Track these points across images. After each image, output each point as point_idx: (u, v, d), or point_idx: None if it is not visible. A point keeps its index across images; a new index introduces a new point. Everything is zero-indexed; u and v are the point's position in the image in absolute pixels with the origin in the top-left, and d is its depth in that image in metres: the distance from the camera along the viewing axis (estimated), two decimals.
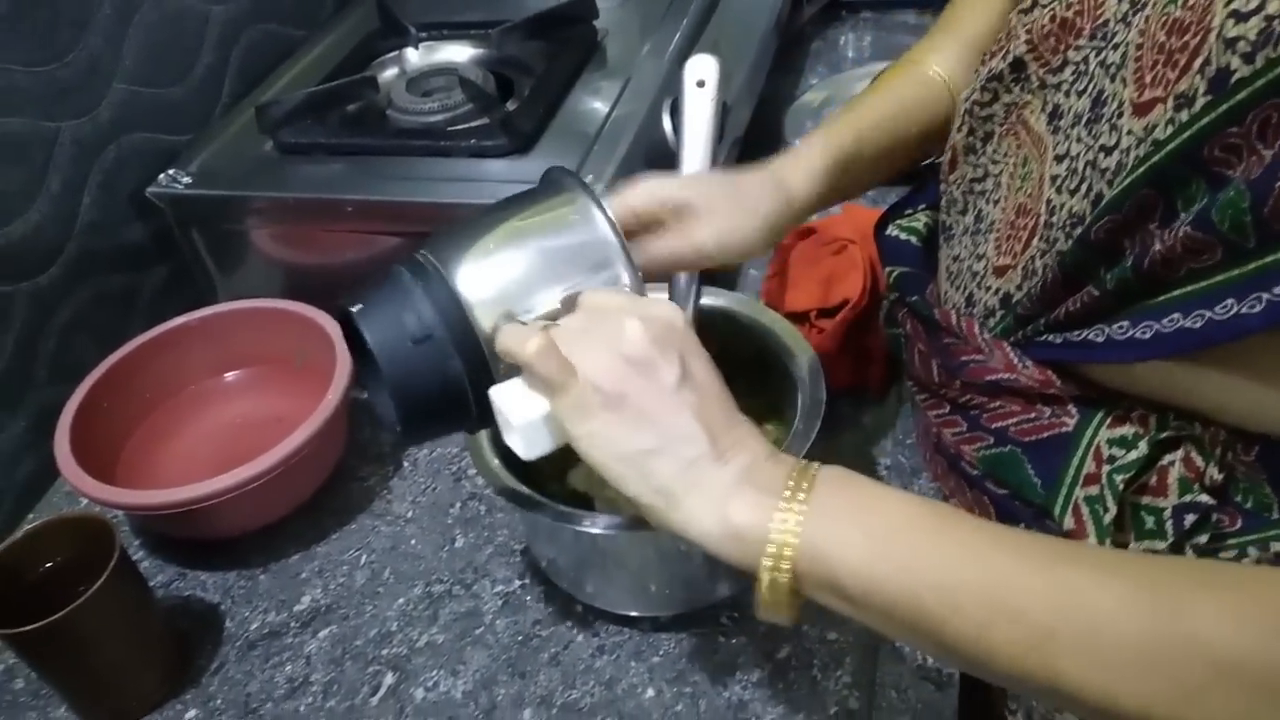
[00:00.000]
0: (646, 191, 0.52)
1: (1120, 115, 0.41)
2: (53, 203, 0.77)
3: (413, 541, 0.69)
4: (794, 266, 0.79)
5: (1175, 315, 0.38)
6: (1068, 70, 0.47)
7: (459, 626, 0.63)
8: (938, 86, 0.59)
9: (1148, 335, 0.39)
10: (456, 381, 0.45)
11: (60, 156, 0.77)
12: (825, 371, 0.59)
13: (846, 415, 0.73)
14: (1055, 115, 0.47)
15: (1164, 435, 0.43)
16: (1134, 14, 0.42)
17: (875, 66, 1.07)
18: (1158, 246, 0.38)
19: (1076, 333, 0.43)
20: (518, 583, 0.65)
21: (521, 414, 0.43)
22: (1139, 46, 0.41)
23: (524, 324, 0.45)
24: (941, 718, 0.56)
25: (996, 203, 0.52)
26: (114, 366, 0.74)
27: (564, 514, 0.55)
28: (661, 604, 0.61)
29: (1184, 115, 0.36)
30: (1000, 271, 0.50)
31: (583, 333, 0.43)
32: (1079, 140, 0.44)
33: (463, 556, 0.68)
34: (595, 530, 0.54)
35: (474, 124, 0.81)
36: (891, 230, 0.63)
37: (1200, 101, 0.36)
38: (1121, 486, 0.44)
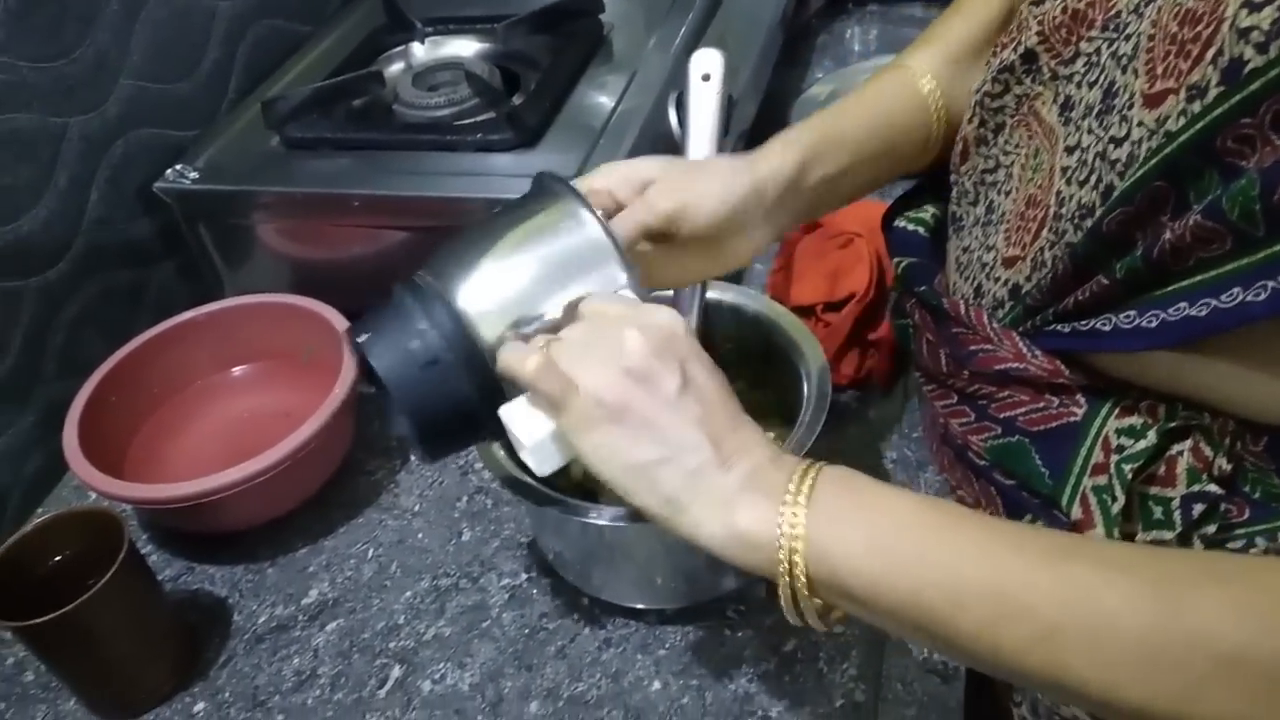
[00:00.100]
0: (610, 170, 0.53)
1: (1131, 106, 0.41)
2: (60, 198, 0.77)
3: (420, 535, 0.70)
4: (800, 260, 0.79)
5: (1182, 304, 0.38)
6: (1079, 61, 0.47)
7: (466, 619, 0.63)
8: (919, 88, 0.59)
9: (1154, 324, 0.39)
10: (467, 402, 0.46)
11: (68, 152, 0.77)
12: (831, 365, 0.59)
13: (852, 409, 0.73)
14: (1067, 106, 0.47)
15: (1172, 425, 0.43)
16: (1146, 5, 0.42)
17: (881, 60, 1.06)
18: (1168, 236, 0.38)
19: (1084, 322, 0.43)
20: (524, 576, 0.66)
21: (530, 433, 0.44)
22: (1151, 37, 0.40)
23: (526, 338, 0.45)
24: (947, 710, 0.56)
25: (1008, 194, 0.52)
26: (122, 361, 0.74)
27: (570, 506, 0.55)
28: (668, 597, 0.61)
29: (1196, 106, 0.36)
30: (1009, 262, 0.50)
31: (583, 345, 0.43)
32: (1090, 131, 0.44)
33: (469, 550, 0.68)
34: (602, 522, 0.54)
35: (480, 118, 0.81)
36: (899, 222, 0.63)
37: (1213, 92, 0.36)
38: (1130, 476, 0.43)
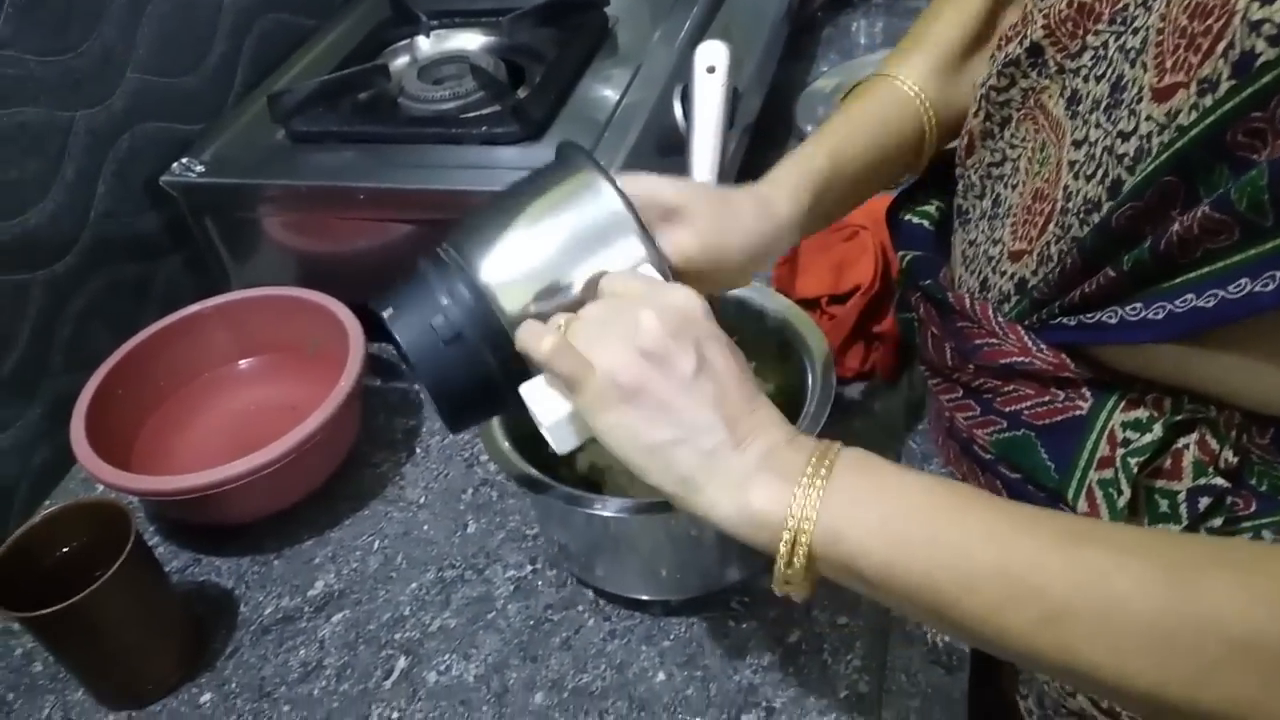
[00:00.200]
0: (640, 184, 0.53)
1: (1139, 100, 0.41)
2: (67, 192, 0.77)
3: (425, 527, 0.70)
4: (805, 253, 0.79)
5: (1189, 296, 0.38)
6: (1086, 55, 0.47)
7: (471, 611, 0.64)
8: (910, 99, 0.59)
9: (1160, 316, 0.39)
10: (490, 377, 0.46)
11: (74, 146, 0.77)
12: (836, 358, 0.59)
13: (858, 401, 0.73)
14: (1074, 100, 0.47)
15: (1178, 418, 0.43)
16: None
17: (887, 53, 1.06)
18: (1175, 229, 0.37)
19: (1090, 315, 0.43)
20: (529, 567, 0.66)
21: (548, 412, 0.44)
22: (1160, 31, 0.40)
23: (545, 315, 0.46)
24: (951, 701, 0.56)
25: (1014, 187, 0.51)
26: (129, 354, 0.75)
27: (575, 498, 0.55)
28: (672, 588, 0.61)
29: (1207, 100, 0.36)
30: (1016, 257, 0.50)
31: (600, 325, 0.43)
32: (1097, 126, 0.44)
33: (475, 541, 0.68)
34: (606, 514, 0.54)
35: (485, 111, 0.81)
36: (904, 215, 0.63)
37: (1224, 86, 0.35)
38: (1136, 470, 0.43)
